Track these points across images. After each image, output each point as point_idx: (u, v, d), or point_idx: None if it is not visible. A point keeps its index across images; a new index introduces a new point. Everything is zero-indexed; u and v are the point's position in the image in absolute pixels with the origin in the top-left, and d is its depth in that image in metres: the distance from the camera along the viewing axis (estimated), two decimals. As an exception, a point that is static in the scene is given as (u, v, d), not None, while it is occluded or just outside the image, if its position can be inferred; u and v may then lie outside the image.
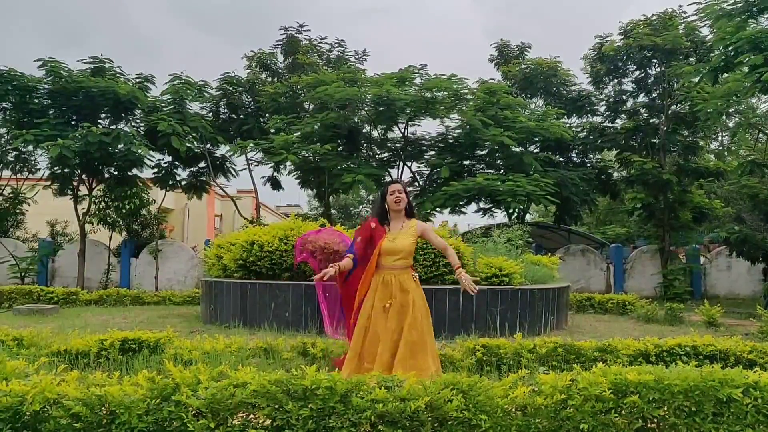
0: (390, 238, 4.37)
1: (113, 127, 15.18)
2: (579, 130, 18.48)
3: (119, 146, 14.28)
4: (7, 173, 16.82)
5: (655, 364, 4.29)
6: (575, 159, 18.60)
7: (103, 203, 16.51)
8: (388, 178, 17.66)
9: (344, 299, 4.72)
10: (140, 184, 16.51)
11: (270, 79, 18.69)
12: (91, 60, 15.29)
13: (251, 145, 15.79)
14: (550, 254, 13.43)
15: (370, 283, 4.39)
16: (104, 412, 2.68)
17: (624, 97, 17.91)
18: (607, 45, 17.06)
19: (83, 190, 16.06)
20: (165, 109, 15.60)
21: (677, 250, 17.88)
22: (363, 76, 16.26)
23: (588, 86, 18.29)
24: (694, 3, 12.55)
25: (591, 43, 19.18)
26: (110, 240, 17.13)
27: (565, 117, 17.89)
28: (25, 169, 16.68)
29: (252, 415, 2.76)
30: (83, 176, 15.81)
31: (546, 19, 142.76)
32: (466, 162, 17.11)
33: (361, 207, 34.29)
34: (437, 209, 15.54)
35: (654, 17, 16.72)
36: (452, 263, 4.42)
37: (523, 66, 18.30)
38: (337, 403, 2.71)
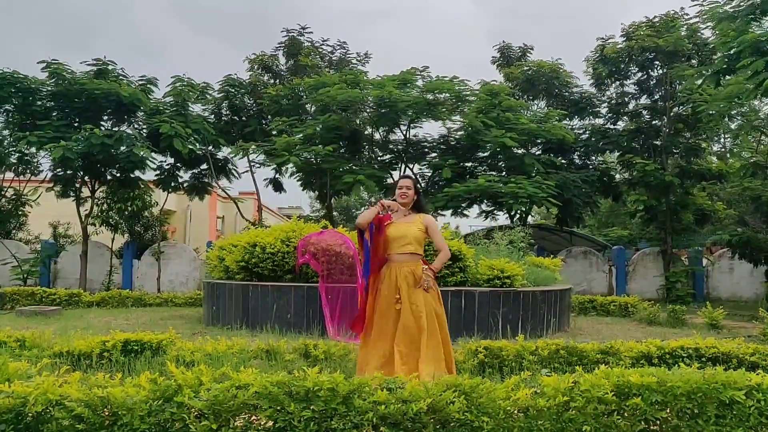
0: (395, 224, 4.41)
1: (116, 129, 15.22)
2: (581, 132, 18.48)
3: (122, 148, 14.31)
4: (10, 175, 16.86)
5: (657, 366, 4.27)
6: (577, 161, 18.59)
7: (105, 205, 16.57)
8: (390, 180, 17.71)
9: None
10: (142, 186, 16.55)
11: (272, 81, 18.73)
12: (94, 62, 15.33)
13: (253, 147, 15.81)
14: (552, 256, 13.42)
15: (379, 275, 4.38)
16: (106, 413, 2.69)
17: (626, 99, 17.92)
18: (609, 47, 17.06)
19: (86, 191, 16.09)
20: (167, 111, 15.61)
21: (679, 252, 17.85)
22: (365, 78, 16.28)
23: (590, 88, 18.33)
24: (696, 5, 12.58)
25: (593, 45, 19.15)
26: (112, 242, 17.14)
27: (567, 119, 17.89)
28: (28, 171, 16.70)
29: (254, 417, 2.77)
30: (86, 178, 15.84)
31: (548, 22, 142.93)
32: (468, 164, 17.12)
33: (362, 209, 34.24)
34: (439, 211, 15.54)
35: (656, 19, 16.71)
36: (434, 264, 4.44)
37: (525, 68, 18.30)
38: (339, 405, 2.71)
